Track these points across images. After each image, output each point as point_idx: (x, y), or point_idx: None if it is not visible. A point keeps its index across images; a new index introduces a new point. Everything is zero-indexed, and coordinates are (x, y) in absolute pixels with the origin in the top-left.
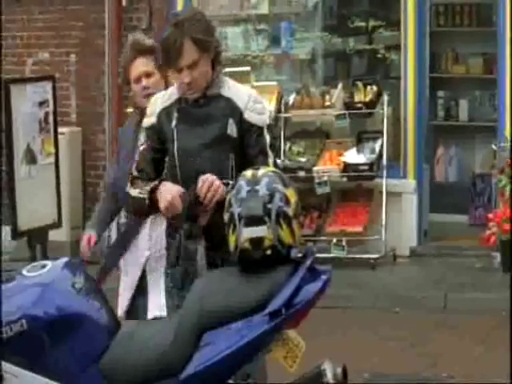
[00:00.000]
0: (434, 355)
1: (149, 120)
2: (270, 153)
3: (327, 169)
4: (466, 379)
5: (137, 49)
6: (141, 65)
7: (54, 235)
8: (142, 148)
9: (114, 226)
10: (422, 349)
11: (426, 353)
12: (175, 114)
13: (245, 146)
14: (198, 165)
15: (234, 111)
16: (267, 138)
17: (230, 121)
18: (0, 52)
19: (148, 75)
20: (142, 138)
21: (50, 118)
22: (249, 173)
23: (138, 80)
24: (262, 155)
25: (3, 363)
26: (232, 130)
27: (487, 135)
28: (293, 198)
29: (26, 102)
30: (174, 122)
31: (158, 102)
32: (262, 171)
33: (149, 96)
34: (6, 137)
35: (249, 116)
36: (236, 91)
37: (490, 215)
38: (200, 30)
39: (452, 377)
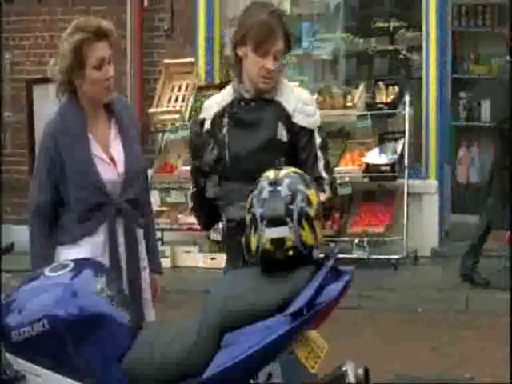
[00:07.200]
0: (457, 356)
1: (206, 127)
2: (320, 155)
3: (349, 169)
4: (490, 380)
5: (101, 33)
6: (103, 49)
7: None
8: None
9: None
10: (445, 350)
11: (448, 354)
12: (226, 120)
13: (296, 150)
14: (248, 168)
15: (283, 115)
16: (318, 140)
17: (280, 125)
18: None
19: (109, 63)
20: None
21: None
22: (270, 173)
23: (100, 67)
24: (312, 158)
25: (26, 363)
26: (282, 134)
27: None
28: (314, 199)
29: (49, 102)
30: (225, 128)
31: (214, 105)
32: (283, 172)
33: (110, 89)
34: (29, 136)
35: (298, 119)
36: (287, 95)
37: None
38: (287, 29)
39: (475, 378)
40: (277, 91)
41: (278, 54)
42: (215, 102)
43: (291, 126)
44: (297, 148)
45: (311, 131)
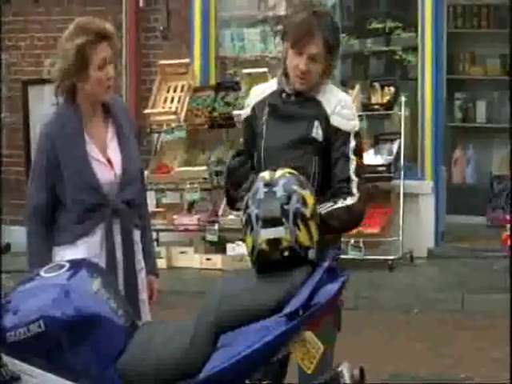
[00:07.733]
0: (453, 356)
1: (245, 112)
2: (352, 157)
3: None
4: (485, 380)
5: (103, 34)
6: (105, 49)
7: None
8: (242, 141)
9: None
10: (441, 350)
11: (445, 354)
12: (266, 108)
13: (330, 150)
14: (282, 162)
15: (321, 115)
16: (352, 143)
17: (316, 123)
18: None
19: (110, 63)
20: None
21: None
22: (266, 174)
23: (103, 67)
24: (343, 158)
25: (21, 364)
26: (317, 133)
27: (504, 136)
28: (310, 200)
29: (44, 103)
30: (264, 117)
31: (255, 93)
32: (279, 172)
33: (110, 89)
34: (24, 137)
35: (335, 120)
36: (329, 96)
37: (507, 217)
38: (333, 34)
39: (471, 378)
40: (319, 91)
41: (315, 56)
42: (256, 93)
43: (328, 127)
44: (331, 148)
45: (347, 134)
